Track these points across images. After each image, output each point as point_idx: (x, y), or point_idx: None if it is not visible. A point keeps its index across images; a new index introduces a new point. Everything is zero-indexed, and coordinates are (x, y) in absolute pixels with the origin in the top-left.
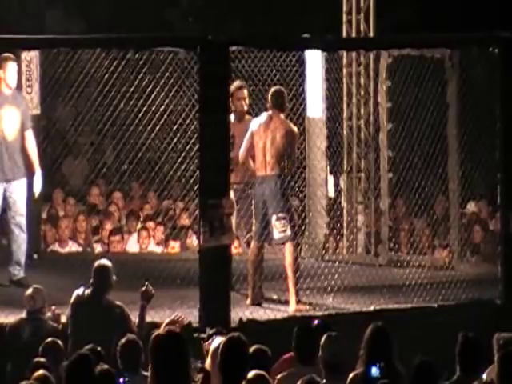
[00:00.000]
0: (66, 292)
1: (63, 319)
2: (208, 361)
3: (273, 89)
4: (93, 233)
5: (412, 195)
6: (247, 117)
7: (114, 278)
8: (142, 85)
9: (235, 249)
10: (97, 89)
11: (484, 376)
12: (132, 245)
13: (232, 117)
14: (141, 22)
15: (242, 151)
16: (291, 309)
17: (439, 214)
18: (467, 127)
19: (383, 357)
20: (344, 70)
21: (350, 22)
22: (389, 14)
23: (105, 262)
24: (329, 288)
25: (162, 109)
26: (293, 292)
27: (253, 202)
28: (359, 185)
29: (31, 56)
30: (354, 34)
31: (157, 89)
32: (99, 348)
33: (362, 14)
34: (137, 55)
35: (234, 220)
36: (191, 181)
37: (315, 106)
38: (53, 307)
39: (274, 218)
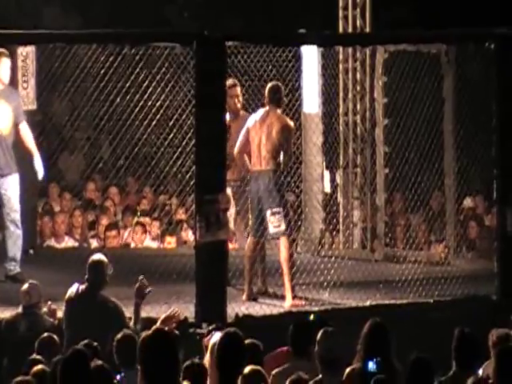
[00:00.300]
0: (62, 287)
1: (59, 314)
2: (207, 356)
3: (270, 84)
4: (89, 228)
5: (408, 190)
6: (242, 113)
7: (111, 271)
8: (138, 80)
9: (231, 244)
10: (93, 84)
11: (480, 371)
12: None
13: (227, 116)
14: (138, 20)
15: (236, 147)
16: (287, 304)
17: (435, 210)
18: (463, 123)
19: (381, 352)
20: (340, 66)
21: (346, 17)
22: (385, 11)
23: (99, 257)
24: (325, 283)
25: (158, 104)
26: (288, 287)
27: (249, 197)
28: (355, 180)
29: (27, 51)
30: (350, 30)
31: (153, 84)
32: (95, 343)
33: (358, 10)
34: (133, 50)
35: (231, 216)
36: (187, 176)
37: (311, 101)
38: (49, 302)
39: (268, 212)
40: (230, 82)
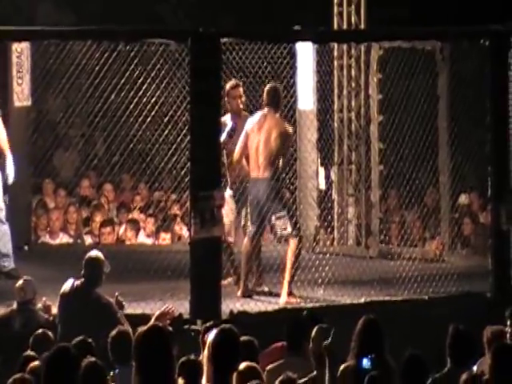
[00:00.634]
0: (57, 283)
1: (54, 310)
2: (205, 352)
3: (268, 86)
4: (83, 224)
5: (403, 187)
6: (244, 114)
7: (108, 269)
8: (132, 77)
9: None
10: (88, 80)
11: (474, 368)
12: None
13: (229, 118)
14: (131, 17)
15: (236, 151)
16: (282, 300)
17: (430, 207)
18: (458, 120)
19: (374, 349)
20: (335, 62)
21: (341, 14)
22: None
23: (96, 253)
24: (319, 280)
25: (152, 101)
26: (286, 284)
27: (248, 199)
28: (350, 177)
29: (22, 47)
30: (345, 26)
31: (148, 81)
32: (89, 340)
33: (353, 7)
34: (128, 47)
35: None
36: (182, 172)
37: (306, 98)
38: (44, 298)
39: (273, 218)
40: (232, 82)
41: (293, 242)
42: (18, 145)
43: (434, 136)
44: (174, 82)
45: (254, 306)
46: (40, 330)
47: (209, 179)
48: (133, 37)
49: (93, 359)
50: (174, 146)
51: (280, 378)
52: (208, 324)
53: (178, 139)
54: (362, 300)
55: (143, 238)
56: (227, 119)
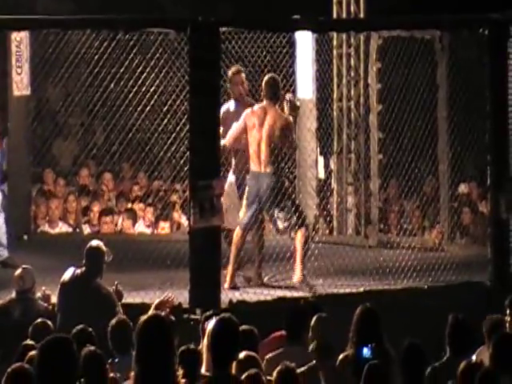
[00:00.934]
0: (56, 273)
1: (53, 299)
2: (205, 342)
3: (266, 77)
4: (82, 214)
5: (402, 177)
6: (247, 99)
7: (110, 259)
8: (132, 66)
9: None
10: (87, 70)
11: (473, 357)
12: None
13: (232, 104)
14: (131, 6)
15: (229, 138)
16: (295, 279)
17: (429, 196)
18: (457, 109)
19: (372, 338)
20: (334, 52)
21: (340, 3)
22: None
23: (98, 243)
24: (319, 269)
25: (152, 90)
26: (299, 263)
27: (246, 191)
28: (349, 166)
29: (21, 36)
30: (344, 16)
31: (147, 70)
32: (90, 329)
33: None
34: (127, 36)
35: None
36: (181, 162)
37: (305, 87)
38: (43, 288)
39: (276, 211)
40: (234, 68)
41: (300, 234)
42: (17, 134)
43: (433, 125)
44: (173, 71)
45: (254, 295)
46: (39, 320)
47: (208, 168)
48: (132, 26)
49: (92, 348)
50: (173, 136)
51: (279, 367)
52: (207, 313)
53: (177, 128)
54: (362, 289)
55: (142, 228)
56: (230, 105)
